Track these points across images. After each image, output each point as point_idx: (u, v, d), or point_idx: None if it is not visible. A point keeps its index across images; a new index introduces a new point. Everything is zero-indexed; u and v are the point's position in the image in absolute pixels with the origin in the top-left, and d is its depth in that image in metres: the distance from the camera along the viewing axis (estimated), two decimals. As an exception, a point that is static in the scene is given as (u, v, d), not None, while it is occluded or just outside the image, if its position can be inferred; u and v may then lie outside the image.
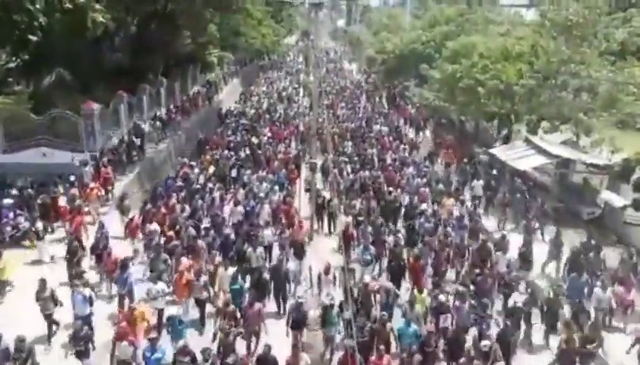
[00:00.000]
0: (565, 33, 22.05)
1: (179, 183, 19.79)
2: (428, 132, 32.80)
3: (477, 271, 13.97)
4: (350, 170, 23.00)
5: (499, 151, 22.75)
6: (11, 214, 16.01)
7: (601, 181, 20.15)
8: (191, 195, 18.44)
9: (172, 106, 29.18)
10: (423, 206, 18.46)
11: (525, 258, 15.05)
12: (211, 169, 22.28)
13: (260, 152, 24.99)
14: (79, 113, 20.19)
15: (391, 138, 28.96)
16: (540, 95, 22.64)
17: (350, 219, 17.40)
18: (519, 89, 22.88)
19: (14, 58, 24.16)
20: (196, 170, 21.71)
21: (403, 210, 18.89)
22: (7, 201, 16.38)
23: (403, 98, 40.81)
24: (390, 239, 15.82)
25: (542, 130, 23.28)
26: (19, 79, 26.02)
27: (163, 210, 16.85)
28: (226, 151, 24.49)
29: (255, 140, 27.08)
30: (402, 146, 27.61)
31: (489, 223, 19.14)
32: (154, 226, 15.52)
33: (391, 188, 20.14)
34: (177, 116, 28.02)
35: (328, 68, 61.42)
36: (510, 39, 27.25)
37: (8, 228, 15.65)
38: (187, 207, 17.29)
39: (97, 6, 21.98)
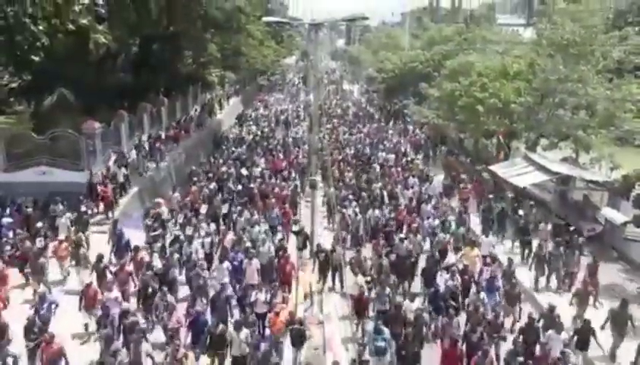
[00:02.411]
0: (562, 52, 22.23)
1: (153, 228, 16.44)
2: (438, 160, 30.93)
3: (521, 359, 10.34)
4: (356, 210, 18.94)
5: (499, 168, 22.76)
6: (11, 233, 15.98)
7: (601, 197, 20.11)
8: (163, 247, 15.20)
9: (156, 132, 27.01)
10: (451, 259, 15.26)
11: (583, 337, 11.46)
12: (203, 208, 19.48)
13: (252, 186, 21.57)
14: (80, 133, 20.30)
15: (399, 169, 26.31)
16: (539, 113, 22.77)
17: (361, 279, 13.52)
18: (517, 107, 23.02)
19: (16, 79, 24.50)
20: (163, 208, 18.07)
21: (421, 264, 15.23)
22: (7, 220, 16.38)
23: (412, 123, 39.10)
24: (406, 305, 12.06)
25: (540, 147, 23.39)
26: (21, 99, 26.32)
27: (128, 268, 13.53)
28: (213, 184, 21.56)
29: (244, 172, 24.13)
30: (412, 178, 24.07)
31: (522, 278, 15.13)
32: (114, 293, 12.02)
33: (406, 240, 16.02)
34: (161, 145, 25.19)
35: (329, 90, 61.23)
36: (508, 57, 27.54)
37: (7, 247, 15.51)
38: (158, 263, 13.96)
39: (99, 27, 22.38)
